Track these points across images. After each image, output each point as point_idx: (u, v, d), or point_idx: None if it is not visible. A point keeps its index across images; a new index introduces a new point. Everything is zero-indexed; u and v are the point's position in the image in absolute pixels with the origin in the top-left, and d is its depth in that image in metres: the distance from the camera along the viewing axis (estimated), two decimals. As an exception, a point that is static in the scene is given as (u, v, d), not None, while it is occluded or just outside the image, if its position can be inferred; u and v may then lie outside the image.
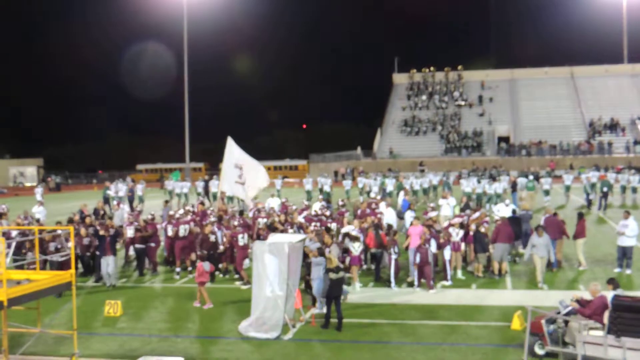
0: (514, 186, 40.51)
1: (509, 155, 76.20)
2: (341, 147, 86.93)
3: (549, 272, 20.93)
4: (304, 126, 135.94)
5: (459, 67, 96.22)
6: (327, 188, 47.57)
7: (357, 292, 19.48)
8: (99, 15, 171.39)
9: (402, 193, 35.12)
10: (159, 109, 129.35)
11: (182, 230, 22.81)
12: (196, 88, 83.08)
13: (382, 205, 28.08)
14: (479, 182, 43.66)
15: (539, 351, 13.43)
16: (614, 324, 12.39)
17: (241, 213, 25.51)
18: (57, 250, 21.09)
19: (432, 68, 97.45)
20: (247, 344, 15.09)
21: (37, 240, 17.26)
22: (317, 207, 28.07)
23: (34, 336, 14.57)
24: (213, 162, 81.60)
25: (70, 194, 68.34)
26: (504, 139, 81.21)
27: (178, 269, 22.56)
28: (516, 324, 15.52)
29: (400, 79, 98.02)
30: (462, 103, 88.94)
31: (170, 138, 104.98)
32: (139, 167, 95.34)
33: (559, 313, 13.58)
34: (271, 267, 16.25)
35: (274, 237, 17.82)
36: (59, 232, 21.51)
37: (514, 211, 25.66)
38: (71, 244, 14.42)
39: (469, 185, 43.19)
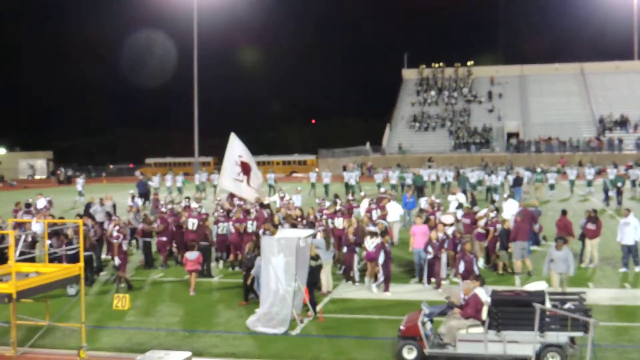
0: (518, 181, 40.66)
1: (518, 152, 75.95)
2: (350, 143, 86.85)
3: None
4: (313, 121, 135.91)
5: (469, 63, 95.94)
6: (352, 182, 47.57)
7: (368, 288, 19.49)
8: (108, 10, 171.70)
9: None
10: (168, 103, 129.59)
11: (190, 224, 22.92)
12: (205, 82, 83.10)
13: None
14: (489, 175, 44.20)
15: (408, 356, 13.19)
16: (494, 319, 12.76)
17: (263, 205, 25.74)
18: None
19: (441, 64, 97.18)
20: (255, 339, 15.08)
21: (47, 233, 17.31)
22: (326, 203, 27.87)
23: (42, 329, 14.61)
24: (222, 157, 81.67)
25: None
26: (514, 135, 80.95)
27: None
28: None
29: (409, 74, 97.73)
30: (472, 99, 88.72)
31: (179, 132, 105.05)
32: (148, 160, 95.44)
33: (426, 315, 13.65)
34: (279, 262, 16.24)
35: (282, 232, 17.84)
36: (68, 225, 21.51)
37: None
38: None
39: (473, 176, 43.83)
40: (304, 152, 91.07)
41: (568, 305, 13.18)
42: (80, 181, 48.37)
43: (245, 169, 26.57)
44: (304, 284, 16.60)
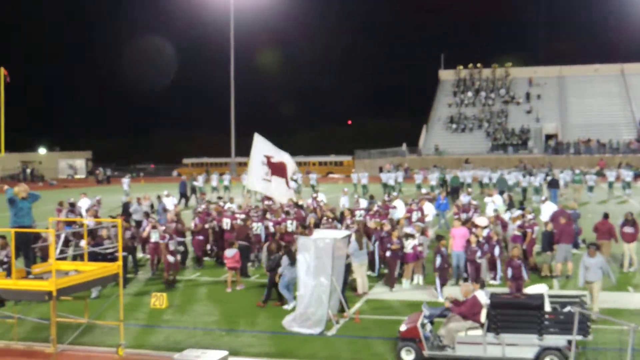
0: (554, 183, 40.45)
1: (556, 154, 75.08)
2: (386, 143, 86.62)
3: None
4: (349, 122, 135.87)
5: (507, 64, 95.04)
6: (391, 182, 47.43)
7: (405, 289, 19.44)
8: (145, 12, 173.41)
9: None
10: (205, 104, 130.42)
11: (225, 224, 23.16)
12: (242, 83, 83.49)
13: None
14: (523, 176, 44.28)
15: (406, 357, 13.25)
16: (493, 322, 12.82)
17: (298, 206, 25.87)
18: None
19: (478, 64, 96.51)
20: (291, 339, 15.11)
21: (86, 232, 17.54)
22: (364, 204, 27.75)
23: (81, 326, 14.79)
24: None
25: (120, 186, 69.01)
26: (552, 137, 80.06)
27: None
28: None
29: (446, 75, 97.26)
30: (509, 100, 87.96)
31: (216, 133, 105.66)
32: (185, 161, 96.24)
33: (426, 316, 13.70)
34: (316, 263, 16.25)
35: (319, 233, 17.85)
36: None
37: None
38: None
39: (511, 178, 43.77)
40: (341, 153, 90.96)
41: (568, 308, 13.21)
42: (126, 181, 49.38)
43: (275, 168, 26.55)
44: (340, 285, 16.61)
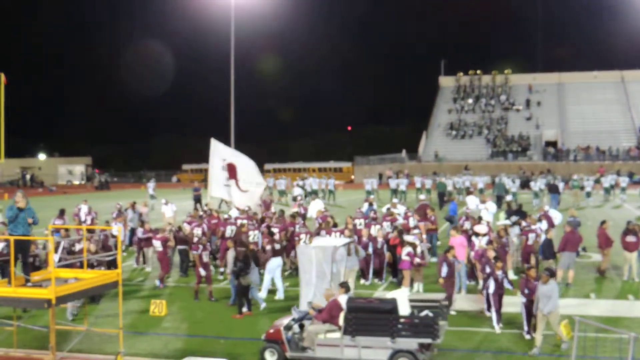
0: (554, 188, 40.75)
1: (556, 160, 75.09)
2: (386, 150, 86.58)
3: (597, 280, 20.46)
4: (349, 128, 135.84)
5: (506, 71, 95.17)
6: (402, 187, 47.82)
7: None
8: (144, 18, 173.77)
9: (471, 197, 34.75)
10: (205, 110, 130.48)
11: (229, 231, 23.08)
12: (241, 90, 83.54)
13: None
14: (513, 182, 44.90)
15: (269, 358, 13.74)
16: (349, 325, 13.39)
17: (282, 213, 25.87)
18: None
19: (478, 71, 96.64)
20: (290, 346, 15.07)
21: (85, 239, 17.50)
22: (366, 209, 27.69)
23: (80, 334, 14.77)
24: (258, 164, 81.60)
25: (119, 192, 69.12)
26: (552, 144, 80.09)
27: (222, 269, 22.77)
28: (563, 332, 15.23)
29: (446, 81, 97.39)
30: (509, 107, 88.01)
31: (215, 139, 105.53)
32: (185, 167, 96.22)
33: (294, 319, 14.26)
34: (315, 270, 16.24)
35: (318, 240, 17.85)
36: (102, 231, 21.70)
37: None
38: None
39: (507, 184, 44.20)
40: (340, 159, 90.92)
41: (425, 312, 13.85)
42: (151, 185, 48.86)
43: (232, 171, 26.40)
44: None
